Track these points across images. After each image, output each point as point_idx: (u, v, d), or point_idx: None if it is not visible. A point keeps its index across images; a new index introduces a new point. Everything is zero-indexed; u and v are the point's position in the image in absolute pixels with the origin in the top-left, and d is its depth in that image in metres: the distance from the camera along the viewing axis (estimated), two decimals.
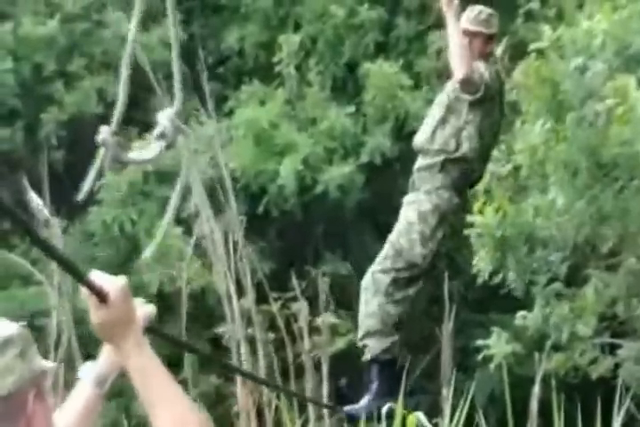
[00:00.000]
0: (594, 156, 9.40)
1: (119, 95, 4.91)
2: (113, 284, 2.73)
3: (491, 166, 9.91)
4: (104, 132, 4.49)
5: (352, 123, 16.58)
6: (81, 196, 4.41)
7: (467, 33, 7.29)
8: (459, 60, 7.07)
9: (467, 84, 7.12)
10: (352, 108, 16.67)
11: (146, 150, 4.76)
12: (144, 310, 2.93)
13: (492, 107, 7.35)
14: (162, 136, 4.67)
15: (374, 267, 7.19)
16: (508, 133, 10.35)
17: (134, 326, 2.77)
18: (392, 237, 7.25)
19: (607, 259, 9.81)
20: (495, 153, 9.40)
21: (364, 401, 7.03)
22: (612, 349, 9.56)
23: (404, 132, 15.33)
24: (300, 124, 16.66)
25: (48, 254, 2.79)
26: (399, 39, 16.92)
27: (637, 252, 9.55)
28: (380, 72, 16.50)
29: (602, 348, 9.67)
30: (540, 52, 10.40)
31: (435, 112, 7.39)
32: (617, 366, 9.42)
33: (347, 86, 16.99)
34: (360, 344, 7.29)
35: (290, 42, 16.92)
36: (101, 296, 2.70)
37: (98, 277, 2.74)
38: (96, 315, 2.72)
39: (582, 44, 10.25)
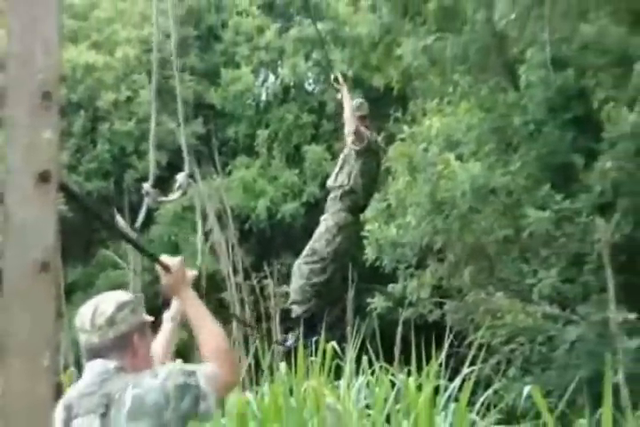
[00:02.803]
0: (431, 197, 9.39)
1: (150, 165, 4.90)
2: (173, 260, 2.88)
3: (376, 204, 9.94)
4: (146, 187, 4.56)
5: (298, 179, 16.50)
6: (137, 225, 4.41)
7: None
8: (349, 122, 7.05)
9: (356, 134, 7.02)
10: (297, 171, 16.60)
11: (172, 196, 4.82)
12: (191, 273, 2.95)
13: (371, 158, 7.19)
14: (179, 187, 4.76)
15: (299, 260, 7.13)
16: (385, 184, 10.34)
17: (187, 284, 2.88)
18: (311, 242, 7.19)
19: (438, 255, 9.81)
20: (377, 196, 9.37)
21: (293, 339, 6.96)
22: (441, 304, 9.55)
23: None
24: (269, 180, 16.56)
25: (136, 247, 3.06)
26: (325, 133, 16.90)
27: (454, 251, 9.56)
28: (313, 151, 16.46)
29: (435, 304, 9.65)
30: (403, 140, 10.39)
31: (337, 164, 7.35)
32: (443, 315, 9.40)
33: (295, 159, 16.91)
34: (289, 307, 7.25)
35: (263, 134, 16.82)
36: (167, 268, 2.85)
37: (164, 257, 2.89)
38: (164, 279, 2.86)
39: (425, 136, 10.28)
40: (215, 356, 2.69)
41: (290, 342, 6.91)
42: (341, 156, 7.34)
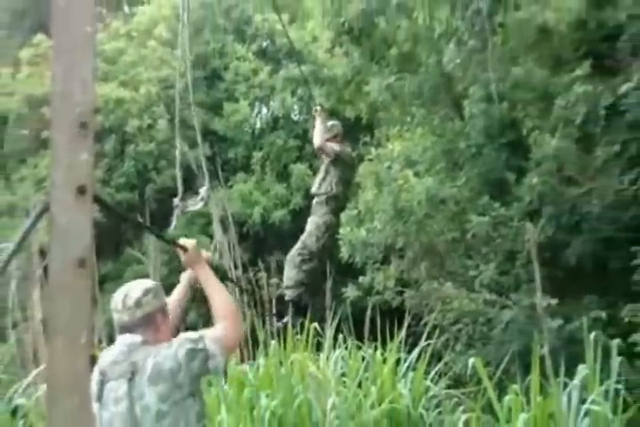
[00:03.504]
0: (394, 206, 9.36)
1: (178, 182, 4.89)
2: (189, 242, 2.96)
3: (349, 211, 9.87)
4: (175, 201, 4.59)
5: (286, 191, 16.43)
6: (171, 228, 4.48)
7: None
8: (315, 139, 6.80)
9: (320, 150, 6.87)
10: (285, 185, 16.57)
11: (195, 206, 4.83)
12: (205, 253, 3.02)
13: (345, 168, 7.03)
14: (202, 199, 4.77)
15: (293, 252, 7.07)
16: (356, 196, 10.31)
17: (202, 260, 2.93)
18: (303, 237, 7.09)
19: (399, 253, 9.77)
20: (349, 205, 9.34)
21: (286, 319, 6.93)
22: (402, 293, 9.48)
23: (309, 194, 15.32)
24: (262, 192, 16.51)
25: (156, 235, 3.14)
26: (307, 154, 16.79)
27: (413, 250, 9.51)
28: (298, 168, 16.41)
29: (397, 292, 9.59)
30: (370, 160, 10.39)
31: (319, 175, 7.20)
32: (404, 301, 9.34)
33: (283, 175, 16.86)
34: (283, 291, 7.20)
35: (257, 155, 16.77)
36: (184, 249, 2.92)
37: (182, 240, 2.98)
38: (183, 258, 2.93)
39: (389, 156, 10.29)
40: (224, 314, 2.76)
41: (285, 320, 6.90)
42: (322, 167, 7.22)
